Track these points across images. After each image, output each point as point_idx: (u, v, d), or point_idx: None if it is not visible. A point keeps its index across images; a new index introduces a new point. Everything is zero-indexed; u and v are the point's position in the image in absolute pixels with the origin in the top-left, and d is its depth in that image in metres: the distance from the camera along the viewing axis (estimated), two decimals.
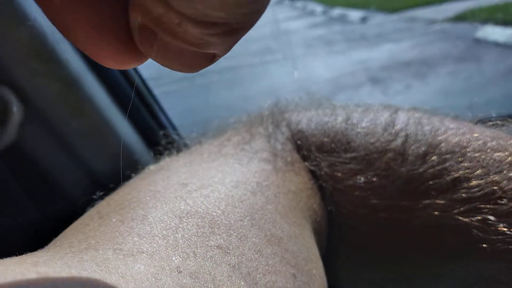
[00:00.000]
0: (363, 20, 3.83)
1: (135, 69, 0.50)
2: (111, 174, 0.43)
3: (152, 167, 0.31)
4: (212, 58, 0.14)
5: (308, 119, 0.34)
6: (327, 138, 0.32)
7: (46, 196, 0.43)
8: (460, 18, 3.05)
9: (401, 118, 0.31)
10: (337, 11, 4.51)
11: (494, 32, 2.55)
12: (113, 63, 0.14)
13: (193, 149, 0.33)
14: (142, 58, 0.14)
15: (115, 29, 0.13)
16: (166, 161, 0.31)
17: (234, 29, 0.12)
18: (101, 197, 0.28)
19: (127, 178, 0.30)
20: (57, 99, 0.42)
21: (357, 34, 3.61)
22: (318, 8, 5.06)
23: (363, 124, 0.32)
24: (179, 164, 0.29)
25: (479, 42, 2.55)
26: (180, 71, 0.14)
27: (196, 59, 0.14)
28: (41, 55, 0.41)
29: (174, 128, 0.50)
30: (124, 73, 0.46)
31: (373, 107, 0.34)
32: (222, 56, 0.14)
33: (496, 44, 2.42)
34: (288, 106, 0.37)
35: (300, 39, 3.78)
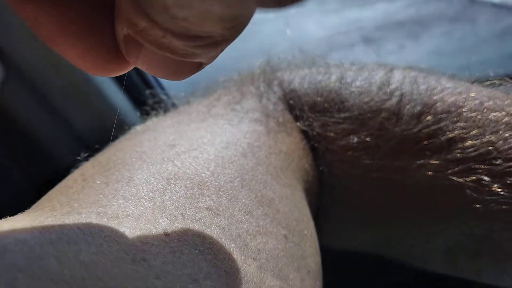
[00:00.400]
0: None
1: None
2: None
3: (138, 127, 0.30)
4: (198, 67, 0.14)
5: (301, 78, 0.33)
6: (320, 97, 0.31)
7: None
8: None
9: (396, 77, 0.31)
10: None
11: None
12: (100, 72, 0.14)
13: (181, 109, 0.31)
14: (128, 66, 0.14)
15: (101, 40, 0.13)
16: (153, 121, 0.30)
17: (218, 41, 0.12)
18: (86, 158, 0.27)
19: (113, 138, 0.29)
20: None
21: None
22: None
23: (357, 83, 0.31)
24: (167, 124, 0.28)
25: (474, 2, 2.51)
26: (167, 79, 0.14)
27: (182, 68, 0.14)
28: (63, 65, 0.40)
29: (162, 87, 0.48)
30: None
31: (368, 65, 0.33)
32: (209, 64, 0.14)
33: (492, 4, 2.39)
34: (280, 65, 0.36)
35: None
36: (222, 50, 0.13)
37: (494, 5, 2.41)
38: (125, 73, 0.44)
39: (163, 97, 0.35)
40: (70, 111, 0.41)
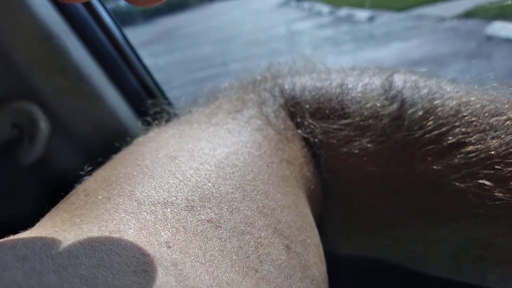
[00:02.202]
0: (371, 19, 3.81)
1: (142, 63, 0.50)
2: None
3: (140, 139, 0.30)
4: None
5: (301, 85, 0.33)
6: (321, 104, 0.31)
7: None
8: (469, 14, 3.01)
9: (397, 82, 0.31)
10: (344, 11, 4.50)
11: (504, 28, 2.52)
12: None
13: (183, 118, 0.32)
14: None
15: None
16: (154, 132, 0.31)
17: None
18: (89, 173, 0.27)
19: (116, 150, 0.30)
20: (81, 114, 0.43)
21: (365, 33, 3.60)
22: (325, 8, 5.05)
23: (359, 89, 0.31)
24: (168, 135, 0.29)
25: (489, 38, 2.52)
26: (136, 4, 0.14)
27: None
28: (66, 71, 0.42)
29: (165, 97, 0.50)
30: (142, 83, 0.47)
31: (368, 70, 0.33)
32: None
33: (507, 40, 2.39)
34: (281, 71, 0.36)
35: (308, 40, 3.78)
36: None
37: (509, 40, 2.41)
38: (128, 83, 0.45)
39: (165, 106, 0.36)
40: (72, 121, 0.43)
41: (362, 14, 4.04)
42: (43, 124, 0.41)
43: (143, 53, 0.51)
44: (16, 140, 0.42)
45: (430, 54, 2.78)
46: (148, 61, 0.52)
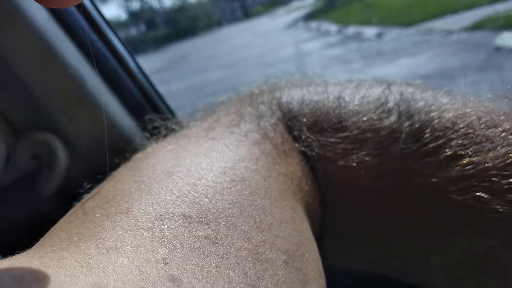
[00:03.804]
0: (379, 36, 3.83)
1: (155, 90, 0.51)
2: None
3: (138, 154, 0.30)
4: None
5: (299, 98, 0.33)
6: (318, 118, 0.31)
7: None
8: (477, 26, 3.01)
9: (394, 94, 0.31)
10: (351, 29, 4.53)
11: None
12: None
13: (181, 133, 0.32)
14: None
15: None
16: (152, 147, 0.31)
17: None
18: (88, 191, 0.27)
19: (115, 166, 0.29)
20: (98, 142, 0.43)
21: (374, 50, 3.61)
22: (332, 27, 5.10)
23: (355, 102, 0.31)
24: (166, 150, 0.29)
25: (499, 49, 2.51)
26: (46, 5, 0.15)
27: None
28: (82, 100, 0.43)
29: (171, 112, 0.50)
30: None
31: (365, 82, 0.33)
32: None
33: None
34: (278, 84, 0.36)
35: (317, 59, 3.80)
36: None
37: None
38: (144, 110, 0.46)
39: (163, 121, 0.35)
40: (89, 149, 0.43)
41: (370, 31, 4.07)
42: (62, 154, 0.42)
43: (155, 80, 0.52)
44: (35, 171, 0.43)
45: (440, 68, 2.77)
46: (161, 87, 0.53)
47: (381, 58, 3.31)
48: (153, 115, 0.37)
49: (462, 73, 2.39)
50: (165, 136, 0.33)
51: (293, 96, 0.34)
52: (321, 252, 0.27)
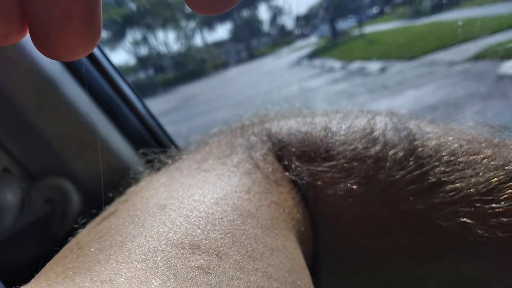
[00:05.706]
0: (382, 70, 3.89)
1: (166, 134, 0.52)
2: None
3: (132, 188, 0.31)
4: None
5: (288, 129, 0.34)
6: (306, 147, 0.32)
7: None
8: (479, 56, 3.05)
9: (379, 124, 0.32)
10: (355, 65, 4.62)
11: None
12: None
13: (174, 166, 0.33)
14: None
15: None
16: (146, 180, 0.32)
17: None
18: (83, 226, 0.28)
19: (110, 200, 0.30)
20: (110, 187, 0.44)
21: (378, 84, 3.65)
22: (336, 64, 5.20)
23: (342, 132, 0.32)
24: (159, 183, 0.30)
25: (502, 77, 2.53)
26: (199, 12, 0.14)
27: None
28: (94, 146, 0.44)
29: (175, 144, 0.51)
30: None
31: (351, 113, 0.34)
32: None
33: None
34: (268, 115, 0.37)
35: (322, 96, 3.85)
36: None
37: None
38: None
39: (156, 155, 0.36)
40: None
41: (373, 66, 4.13)
42: (75, 198, 0.43)
43: (165, 121, 0.54)
44: (49, 215, 0.44)
45: (445, 99, 2.78)
46: (170, 128, 0.55)
47: (386, 91, 3.34)
48: (147, 149, 0.38)
49: (468, 102, 2.40)
50: (159, 169, 0.34)
51: (282, 127, 0.35)
52: (314, 279, 0.27)
